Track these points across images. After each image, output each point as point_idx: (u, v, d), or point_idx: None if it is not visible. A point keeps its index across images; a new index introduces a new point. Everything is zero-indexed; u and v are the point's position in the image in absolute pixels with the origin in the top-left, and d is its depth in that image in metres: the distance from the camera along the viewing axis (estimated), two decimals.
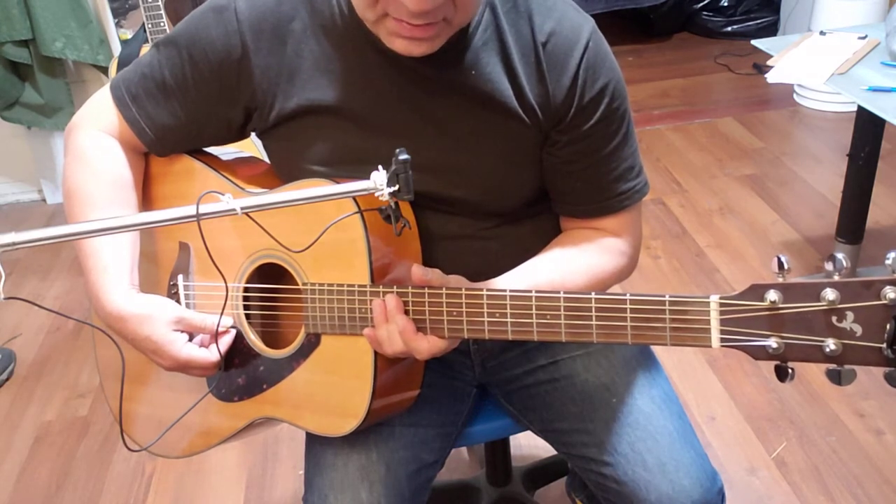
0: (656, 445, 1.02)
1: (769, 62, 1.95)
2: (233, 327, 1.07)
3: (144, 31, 2.46)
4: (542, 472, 1.67)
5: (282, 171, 1.08)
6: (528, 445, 1.82)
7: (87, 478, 1.93)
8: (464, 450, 1.88)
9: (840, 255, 0.71)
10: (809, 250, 2.52)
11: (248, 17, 0.98)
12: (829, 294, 0.71)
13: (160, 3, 2.41)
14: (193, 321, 1.04)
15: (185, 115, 1.05)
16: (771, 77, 1.90)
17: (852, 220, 2.32)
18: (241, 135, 1.08)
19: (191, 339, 1.04)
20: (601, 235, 1.07)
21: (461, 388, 1.20)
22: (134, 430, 1.20)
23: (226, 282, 1.06)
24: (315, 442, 1.09)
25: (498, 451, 1.56)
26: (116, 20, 2.99)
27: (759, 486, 1.74)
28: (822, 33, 2.05)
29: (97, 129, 1.08)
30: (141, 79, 1.05)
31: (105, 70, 2.91)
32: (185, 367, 1.03)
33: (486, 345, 1.18)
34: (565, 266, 1.03)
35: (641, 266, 2.14)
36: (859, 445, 1.81)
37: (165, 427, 1.12)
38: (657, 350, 1.13)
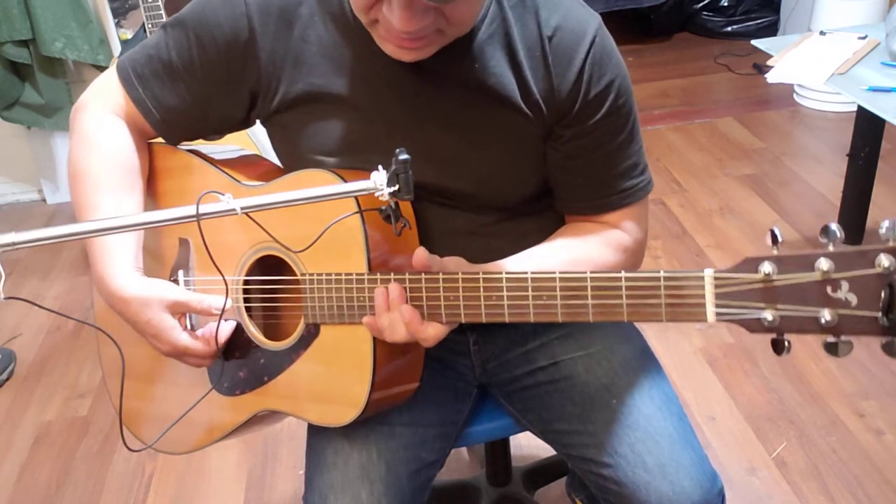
0: (656, 447, 1.02)
1: (769, 62, 1.95)
2: (233, 319, 1.07)
3: (144, 31, 2.46)
4: (542, 472, 1.67)
5: (284, 159, 1.09)
6: (528, 445, 1.82)
7: (87, 478, 1.93)
8: (464, 450, 1.88)
9: (833, 226, 0.69)
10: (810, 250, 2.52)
11: (256, 1, 0.98)
12: (824, 264, 0.70)
13: (160, 3, 2.40)
14: (192, 303, 1.02)
15: (191, 97, 1.04)
16: (771, 77, 1.90)
17: (852, 220, 2.32)
18: (246, 121, 1.08)
19: (194, 331, 1.04)
20: (605, 228, 1.07)
21: (462, 388, 1.20)
22: (138, 428, 1.20)
23: (225, 280, 1.06)
24: (315, 441, 1.09)
25: (498, 451, 1.55)
26: (116, 20, 2.99)
27: (759, 486, 1.74)
28: (822, 33, 2.05)
29: (103, 110, 1.08)
30: (147, 59, 1.05)
31: (105, 70, 2.91)
32: (183, 354, 1.03)
33: (486, 346, 1.18)
34: (565, 255, 1.03)
35: (641, 266, 2.14)
36: (859, 445, 1.81)
37: (168, 424, 1.12)
38: (657, 350, 1.13)
